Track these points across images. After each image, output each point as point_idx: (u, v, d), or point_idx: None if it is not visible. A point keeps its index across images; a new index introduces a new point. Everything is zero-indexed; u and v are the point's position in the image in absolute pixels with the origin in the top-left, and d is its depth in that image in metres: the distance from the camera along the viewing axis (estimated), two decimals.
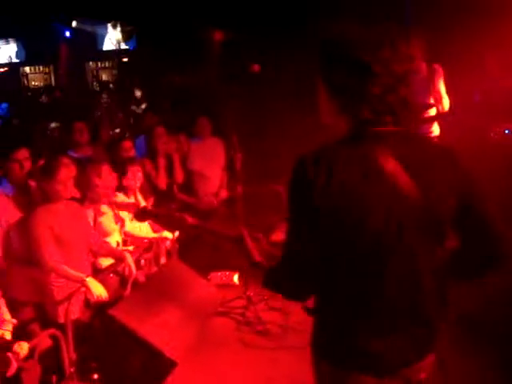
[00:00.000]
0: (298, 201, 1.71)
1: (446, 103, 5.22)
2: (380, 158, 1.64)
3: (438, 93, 5.21)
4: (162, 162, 6.02)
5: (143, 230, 4.96)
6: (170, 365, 3.60)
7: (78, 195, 4.16)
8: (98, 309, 3.83)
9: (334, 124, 1.77)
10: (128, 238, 4.70)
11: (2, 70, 15.88)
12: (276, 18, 7.76)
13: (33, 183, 4.13)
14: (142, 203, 5.04)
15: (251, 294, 4.72)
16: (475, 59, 6.75)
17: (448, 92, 5.23)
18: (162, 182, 5.97)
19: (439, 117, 5.27)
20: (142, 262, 4.47)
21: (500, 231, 1.77)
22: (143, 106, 11.29)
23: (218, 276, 5.21)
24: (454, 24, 6.85)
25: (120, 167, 4.88)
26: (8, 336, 3.35)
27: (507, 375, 3.47)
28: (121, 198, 4.87)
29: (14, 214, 3.97)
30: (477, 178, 1.77)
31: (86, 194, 4.41)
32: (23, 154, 4.20)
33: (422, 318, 1.76)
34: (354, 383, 1.77)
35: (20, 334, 3.47)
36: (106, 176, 4.46)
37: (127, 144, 5.73)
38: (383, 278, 1.69)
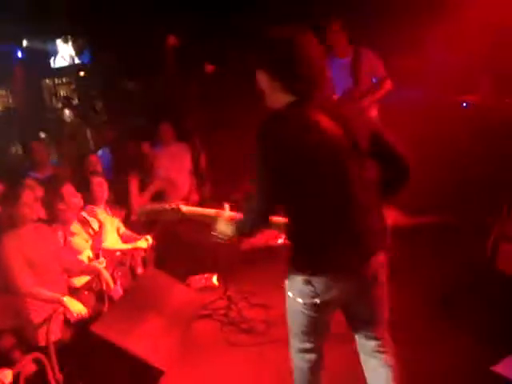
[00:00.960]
0: (264, 161, 2.27)
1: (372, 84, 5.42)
2: (315, 116, 2.25)
3: (361, 74, 5.34)
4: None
5: (115, 242, 4.94)
6: (158, 374, 3.60)
7: (43, 216, 4.11)
8: (79, 327, 3.80)
9: (274, 104, 2.36)
10: (100, 252, 4.66)
11: None
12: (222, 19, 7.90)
13: None
14: (108, 216, 5.03)
15: (231, 293, 4.74)
16: (416, 39, 6.85)
17: (394, 72, 5.34)
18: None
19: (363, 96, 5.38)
20: (119, 276, 4.43)
21: (401, 152, 2.46)
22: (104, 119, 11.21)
23: (196, 279, 5.20)
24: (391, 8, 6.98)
25: (86, 181, 4.88)
26: None
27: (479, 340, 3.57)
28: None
29: None
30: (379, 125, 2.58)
31: (53, 216, 4.35)
32: None
33: (368, 229, 2.40)
34: (324, 282, 2.35)
35: (2, 362, 3.43)
36: (68, 198, 4.41)
37: (93, 158, 5.72)
38: (333, 204, 2.32)
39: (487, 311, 3.83)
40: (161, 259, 5.12)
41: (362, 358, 2.68)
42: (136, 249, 4.85)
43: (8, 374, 3.14)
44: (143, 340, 3.72)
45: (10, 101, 15.69)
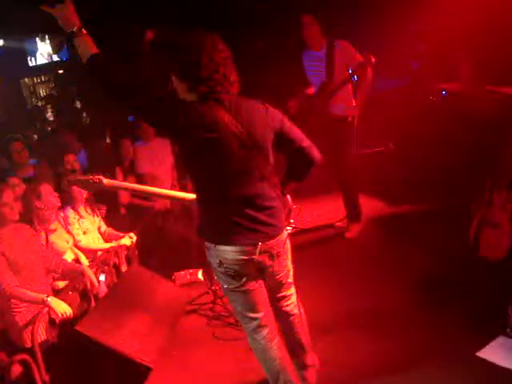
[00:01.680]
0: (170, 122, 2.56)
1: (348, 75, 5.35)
2: (216, 113, 2.54)
3: (335, 66, 5.25)
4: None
5: (97, 242, 4.92)
6: (146, 371, 3.59)
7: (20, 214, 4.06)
8: (65, 327, 3.78)
9: (187, 98, 2.64)
10: (81, 256, 4.65)
11: None
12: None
13: None
14: (89, 216, 5.02)
15: (217, 287, 4.73)
16: (396, 28, 6.86)
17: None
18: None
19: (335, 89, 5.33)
20: (103, 276, 4.40)
21: (307, 145, 2.83)
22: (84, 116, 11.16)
23: (181, 275, 5.19)
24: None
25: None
26: None
27: (468, 324, 3.62)
28: (71, 214, 4.82)
29: None
30: (284, 117, 2.79)
31: (32, 215, 4.32)
32: None
33: (271, 214, 2.73)
34: (225, 253, 2.70)
35: None
36: (46, 197, 4.36)
37: (71, 157, 5.67)
38: (235, 185, 2.64)
39: (471, 297, 3.88)
40: (145, 256, 5.10)
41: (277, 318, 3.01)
42: (120, 246, 4.82)
43: None
44: (129, 338, 3.70)
45: None
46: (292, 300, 3.07)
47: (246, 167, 2.65)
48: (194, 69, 2.58)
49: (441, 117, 6.60)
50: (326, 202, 6.48)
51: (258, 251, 2.71)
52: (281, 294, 3.01)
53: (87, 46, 2.64)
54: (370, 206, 6.00)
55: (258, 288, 2.84)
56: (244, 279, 2.76)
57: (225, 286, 2.83)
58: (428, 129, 6.63)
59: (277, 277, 2.92)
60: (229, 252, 2.69)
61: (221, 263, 2.73)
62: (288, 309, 3.05)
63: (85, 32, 2.67)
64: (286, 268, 2.95)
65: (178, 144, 2.68)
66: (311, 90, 5.57)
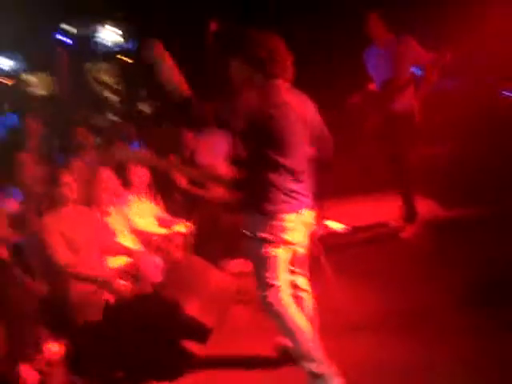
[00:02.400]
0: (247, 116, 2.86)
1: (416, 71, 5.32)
2: (284, 95, 2.96)
3: (401, 65, 5.20)
4: None
5: (152, 226, 5.04)
6: (207, 331, 3.78)
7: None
8: (119, 308, 3.86)
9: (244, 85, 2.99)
10: (136, 243, 4.76)
11: (8, 82, 15.87)
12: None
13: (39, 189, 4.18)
14: (147, 201, 5.13)
15: None
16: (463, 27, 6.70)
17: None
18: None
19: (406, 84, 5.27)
20: (158, 259, 4.50)
21: (330, 138, 3.27)
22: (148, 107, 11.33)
23: (233, 264, 5.22)
24: None
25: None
26: None
27: None
28: (130, 197, 4.94)
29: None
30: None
31: (91, 198, 4.46)
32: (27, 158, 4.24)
33: (306, 185, 3.07)
34: (272, 220, 2.94)
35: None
36: (106, 181, 4.53)
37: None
38: (289, 160, 2.95)
39: None
40: (200, 244, 5.17)
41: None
42: (175, 233, 4.92)
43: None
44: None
45: (54, 86, 15.94)
46: (305, 278, 3.37)
47: (300, 145, 3.01)
48: (263, 55, 2.94)
49: (502, 118, 6.42)
50: (380, 200, 6.41)
51: (301, 218, 3.03)
52: (297, 269, 3.30)
53: (174, 78, 2.88)
54: (424, 206, 5.90)
55: (287, 255, 3.10)
56: (281, 246, 3.00)
57: (261, 251, 2.99)
58: (488, 131, 6.46)
59: (301, 249, 3.22)
60: (277, 219, 2.95)
61: (264, 230, 2.95)
62: (300, 284, 3.34)
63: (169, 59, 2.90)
64: (307, 244, 3.25)
65: (243, 123, 2.87)
66: (373, 86, 5.52)
